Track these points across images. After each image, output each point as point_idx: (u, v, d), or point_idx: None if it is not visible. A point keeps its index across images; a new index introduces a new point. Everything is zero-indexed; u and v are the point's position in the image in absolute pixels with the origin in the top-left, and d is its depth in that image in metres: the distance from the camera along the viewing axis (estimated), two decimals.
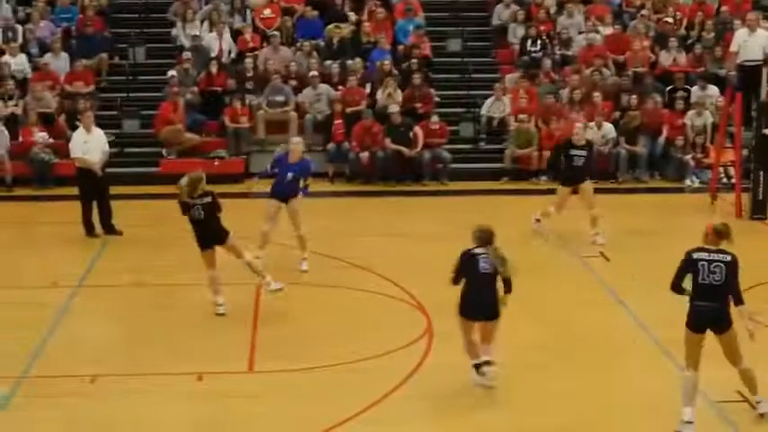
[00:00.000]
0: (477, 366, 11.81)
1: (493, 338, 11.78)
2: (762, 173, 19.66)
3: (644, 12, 25.95)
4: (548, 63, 24.63)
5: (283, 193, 15.98)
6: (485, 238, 11.79)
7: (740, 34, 20.50)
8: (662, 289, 15.31)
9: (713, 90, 23.99)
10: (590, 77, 24.15)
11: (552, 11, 26.26)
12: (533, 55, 25.01)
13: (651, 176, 23.21)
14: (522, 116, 23.04)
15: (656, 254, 17.44)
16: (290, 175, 15.93)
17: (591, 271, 16.26)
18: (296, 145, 16.26)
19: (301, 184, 16.17)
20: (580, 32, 25.73)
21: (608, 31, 25.60)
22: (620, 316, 14.57)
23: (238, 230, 14.61)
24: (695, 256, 10.78)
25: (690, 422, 10.75)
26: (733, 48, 20.57)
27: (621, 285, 15.65)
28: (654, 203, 21.62)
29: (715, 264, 10.70)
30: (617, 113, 23.76)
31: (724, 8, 26.23)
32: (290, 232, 16.48)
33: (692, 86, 24.31)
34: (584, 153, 18.16)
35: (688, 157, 23.00)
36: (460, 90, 25.11)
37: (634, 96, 23.71)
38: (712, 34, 25.40)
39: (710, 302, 10.72)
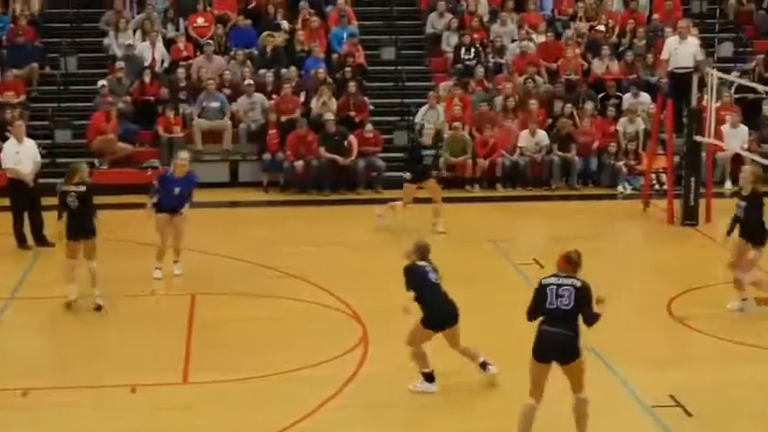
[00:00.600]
0: (484, 365, 12.13)
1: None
2: (693, 179, 19.85)
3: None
4: (481, 71, 24.73)
5: (171, 206, 16.30)
6: (424, 250, 11.90)
7: (671, 42, 20.66)
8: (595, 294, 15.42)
9: (645, 97, 24.21)
10: (523, 85, 24.28)
11: (486, 19, 26.37)
12: (467, 63, 25.10)
13: (585, 184, 23.34)
14: (455, 124, 23.09)
15: (589, 260, 17.56)
16: (176, 189, 16.25)
17: (525, 278, 16.31)
18: (182, 161, 16.48)
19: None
20: (513, 40, 25.86)
21: (541, 39, 25.75)
22: None
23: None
24: (544, 281, 10.41)
25: None
26: (664, 55, 20.72)
27: None
28: (587, 210, 21.75)
29: (564, 288, 10.28)
30: (550, 121, 23.89)
31: (655, 16, 26.49)
32: (214, 243, 16.43)
33: (624, 93, 24.52)
34: (432, 152, 19.69)
35: (620, 163, 23.18)
36: (394, 98, 25.13)
37: (568, 104, 23.87)
38: (644, 42, 25.64)
39: (558, 328, 10.26)
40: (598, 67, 25.14)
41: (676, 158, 20.92)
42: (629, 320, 14.59)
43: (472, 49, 25.28)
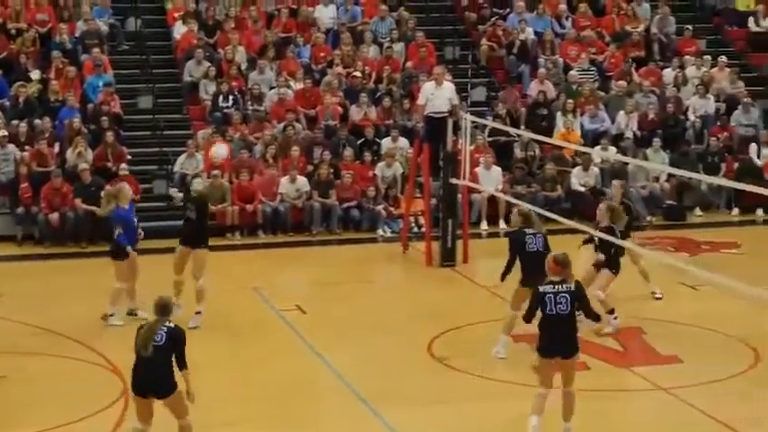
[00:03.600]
0: None
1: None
2: (450, 221, 20.23)
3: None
4: (239, 118, 24.67)
5: None
6: (164, 308, 11.32)
7: (427, 87, 21.08)
8: (354, 338, 15.59)
9: (403, 142, 24.61)
10: (283, 132, 24.35)
11: (244, 67, 26.36)
12: (225, 111, 25.02)
13: (345, 228, 23.47)
14: (215, 172, 22.91)
15: (350, 304, 17.75)
16: None
17: (288, 324, 16.30)
18: None
19: None
20: (272, 88, 25.93)
21: (299, 85, 25.91)
22: (318, 366, 14.65)
23: None
24: (541, 290, 11.44)
25: (535, 425, 11.53)
26: (421, 100, 21.13)
27: (316, 336, 15.75)
28: (347, 255, 21.91)
29: (560, 295, 11.34)
30: (310, 167, 24.00)
31: (409, 63, 27.00)
32: None
33: (382, 138, 24.88)
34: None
35: (379, 207, 23.46)
36: (153, 147, 24.82)
37: (327, 150, 24.04)
38: (400, 87, 26.11)
39: (559, 329, 11.35)
40: (356, 112, 25.45)
41: (434, 201, 21.28)
42: (391, 362, 14.75)
43: (230, 97, 25.22)
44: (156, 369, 10.69)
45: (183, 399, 10.84)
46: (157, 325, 10.80)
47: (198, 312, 15.99)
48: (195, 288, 16.09)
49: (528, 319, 11.82)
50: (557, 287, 11.43)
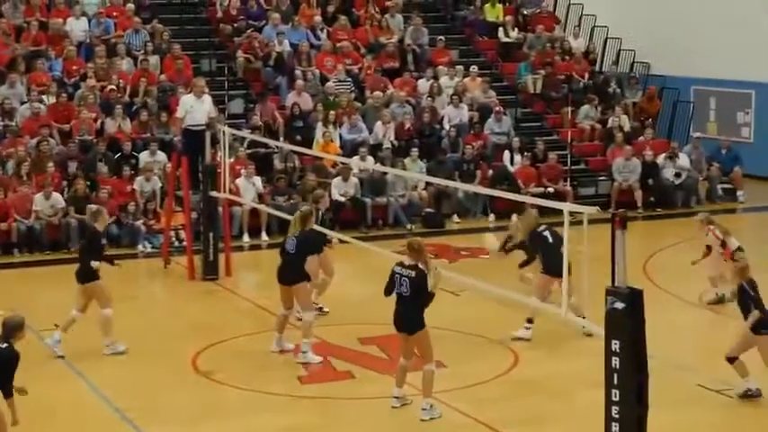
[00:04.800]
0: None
1: None
2: (211, 234, 20.06)
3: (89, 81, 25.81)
4: None
5: None
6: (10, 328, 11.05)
7: (186, 100, 20.86)
8: (117, 357, 15.31)
9: (161, 155, 24.29)
10: (36, 148, 23.68)
11: None
12: None
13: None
14: None
15: (115, 322, 17.36)
16: None
17: (48, 345, 15.84)
18: None
19: None
20: (23, 102, 25.20)
21: (52, 99, 25.26)
22: (80, 387, 14.30)
23: None
24: (395, 268, 12.73)
25: (398, 397, 13.04)
26: (179, 113, 20.89)
27: (78, 356, 15.37)
28: (107, 272, 21.26)
29: (403, 278, 12.56)
30: (66, 183, 23.43)
31: (163, 76, 26.68)
32: None
33: (139, 152, 24.49)
34: None
35: (139, 222, 23.07)
36: None
37: (82, 166, 23.52)
38: (156, 100, 25.77)
39: (402, 307, 12.64)
40: (112, 126, 24.99)
41: (194, 214, 21.07)
42: (156, 380, 14.55)
43: None
44: None
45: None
46: None
47: None
48: None
49: (386, 293, 12.85)
50: (404, 270, 12.61)
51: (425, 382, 12.90)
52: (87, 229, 16.59)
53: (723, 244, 17.38)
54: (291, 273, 15.02)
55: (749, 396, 13.40)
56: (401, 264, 12.72)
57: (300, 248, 15.03)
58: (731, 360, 13.33)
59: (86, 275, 15.58)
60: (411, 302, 12.63)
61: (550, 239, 15.79)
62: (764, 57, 29.56)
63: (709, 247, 17.62)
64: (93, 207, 17.56)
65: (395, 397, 13.10)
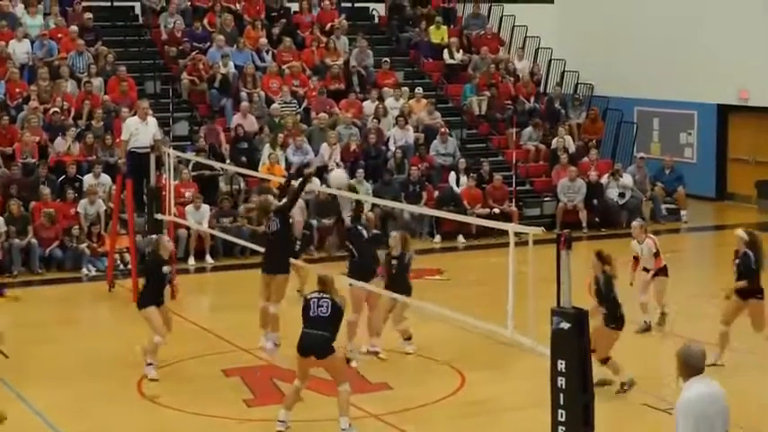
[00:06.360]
0: None
1: None
2: None
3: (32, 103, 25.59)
4: None
5: None
6: None
7: (132, 122, 20.76)
8: (62, 381, 15.16)
9: (105, 178, 24.13)
10: None
11: None
12: None
13: (47, 268, 22.78)
14: None
15: (55, 346, 17.23)
16: None
17: None
18: None
19: None
20: None
21: None
22: (24, 412, 14.13)
23: None
24: (308, 295, 13.16)
25: (283, 421, 12.90)
26: (124, 136, 20.77)
27: (21, 381, 15.21)
28: (51, 295, 21.26)
29: (323, 299, 12.86)
30: (7, 206, 23.19)
31: (107, 97, 26.51)
32: None
33: (84, 175, 24.32)
34: None
35: (83, 245, 22.89)
36: None
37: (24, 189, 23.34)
38: (101, 122, 25.61)
39: (317, 330, 12.73)
40: (62, 146, 24.80)
41: (139, 237, 20.95)
42: (100, 403, 14.41)
43: None
44: None
45: None
46: None
47: None
48: None
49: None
50: (323, 294, 12.96)
51: (343, 402, 12.78)
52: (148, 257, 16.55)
53: (657, 254, 17.37)
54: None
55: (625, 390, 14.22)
56: (317, 291, 13.04)
57: None
58: (604, 361, 14.07)
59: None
60: (329, 325, 12.82)
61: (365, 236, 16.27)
62: (707, 78, 29.93)
63: (636, 258, 17.56)
64: (154, 236, 17.75)
65: (280, 421, 12.93)
